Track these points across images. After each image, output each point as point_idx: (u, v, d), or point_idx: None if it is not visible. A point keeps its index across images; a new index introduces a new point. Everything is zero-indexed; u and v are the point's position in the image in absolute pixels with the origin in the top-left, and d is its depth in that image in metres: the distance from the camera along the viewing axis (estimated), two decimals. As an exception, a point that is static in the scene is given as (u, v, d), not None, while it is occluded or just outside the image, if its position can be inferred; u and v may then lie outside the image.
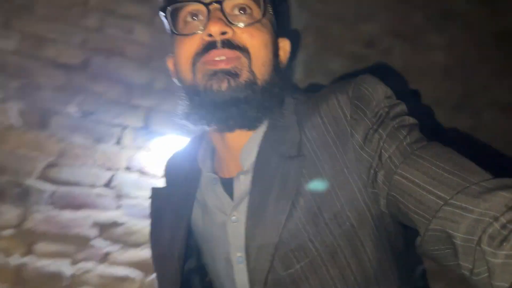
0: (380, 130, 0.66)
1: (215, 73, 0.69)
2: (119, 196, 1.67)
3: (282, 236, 0.68)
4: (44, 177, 1.57)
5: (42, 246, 1.54)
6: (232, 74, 0.69)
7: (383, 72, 1.95)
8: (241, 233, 0.75)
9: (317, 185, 0.69)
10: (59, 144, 1.60)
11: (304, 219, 0.68)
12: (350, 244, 0.69)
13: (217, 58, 0.69)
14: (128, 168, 1.70)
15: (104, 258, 1.62)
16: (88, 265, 1.59)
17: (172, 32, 0.75)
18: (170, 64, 0.84)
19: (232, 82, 0.69)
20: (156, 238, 0.91)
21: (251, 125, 0.75)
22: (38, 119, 1.58)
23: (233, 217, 0.77)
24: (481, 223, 0.51)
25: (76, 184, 1.61)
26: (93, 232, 1.61)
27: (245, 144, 0.77)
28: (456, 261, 0.54)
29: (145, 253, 1.67)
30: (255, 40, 0.73)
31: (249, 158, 0.76)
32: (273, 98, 0.75)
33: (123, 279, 1.63)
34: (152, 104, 1.76)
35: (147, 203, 1.69)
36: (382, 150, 0.64)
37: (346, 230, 0.68)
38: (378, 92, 0.70)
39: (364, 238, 0.69)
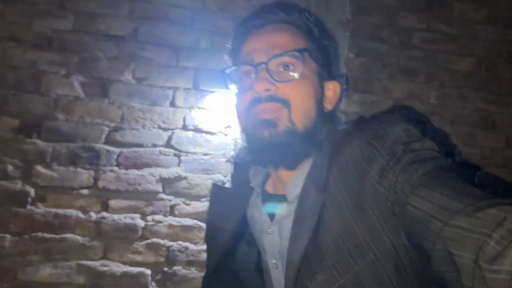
0: (394, 166, 0.71)
1: (259, 123, 0.82)
2: (178, 153, 1.77)
3: (305, 256, 0.76)
4: (110, 140, 1.73)
5: (115, 202, 1.71)
6: (272, 124, 0.81)
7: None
8: (274, 243, 0.87)
9: (338, 217, 0.76)
10: (120, 110, 1.75)
11: (327, 246, 0.75)
12: (375, 274, 0.73)
13: (261, 110, 0.82)
14: (184, 127, 1.79)
15: (171, 210, 1.74)
16: (158, 217, 1.73)
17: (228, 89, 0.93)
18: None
19: (272, 131, 0.81)
20: (211, 223, 1.04)
21: (291, 166, 0.86)
22: (98, 88, 1.73)
23: (269, 230, 0.88)
24: (477, 240, 0.55)
25: (139, 145, 1.75)
26: (159, 187, 1.74)
27: (291, 179, 0.87)
28: (461, 283, 0.57)
29: (206, 204, 1.76)
30: (295, 92, 0.83)
31: (294, 192, 0.85)
32: (312, 142, 0.85)
33: (190, 228, 1.74)
34: (199, 64, 1.82)
35: (204, 158, 1.78)
36: (397, 184, 0.70)
37: (370, 260, 0.73)
38: (395, 131, 0.75)
39: (389, 269, 0.73)
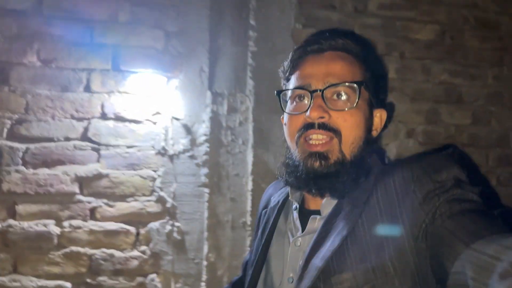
0: (440, 194, 0.74)
1: (310, 155, 0.85)
2: (97, 147, 1.52)
3: (329, 262, 0.77)
4: (13, 135, 1.47)
5: (24, 208, 1.47)
6: (324, 156, 0.84)
7: None
8: (297, 256, 0.87)
9: (371, 229, 0.79)
10: (23, 99, 1.48)
11: (352, 254, 0.77)
12: None
13: (314, 136, 0.85)
14: (102, 115, 1.54)
15: (91, 214, 1.51)
16: (76, 222, 1.49)
17: (284, 111, 0.95)
18: (282, 121, 0.98)
19: (323, 162, 0.84)
20: (252, 250, 1.06)
21: (338, 196, 0.87)
22: (-5, 74, 1.46)
23: (297, 242, 0.89)
24: (494, 266, 0.57)
25: (49, 139, 1.49)
26: (75, 188, 1.50)
27: (327, 198, 0.89)
28: None
29: (133, 205, 1.53)
30: (347, 123, 0.86)
31: (328, 208, 0.88)
32: (360, 170, 0.87)
33: (116, 233, 1.51)
34: (118, 41, 1.55)
35: (128, 151, 1.54)
36: (437, 210, 0.72)
37: (390, 278, 0.74)
38: (451, 170, 0.78)
39: None
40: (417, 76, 1.80)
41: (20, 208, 1.46)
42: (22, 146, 1.47)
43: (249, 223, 1.60)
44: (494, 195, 1.76)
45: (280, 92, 0.96)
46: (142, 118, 1.56)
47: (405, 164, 0.83)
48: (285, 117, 0.94)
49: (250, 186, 1.61)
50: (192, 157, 1.59)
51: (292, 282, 0.86)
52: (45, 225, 1.47)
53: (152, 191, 1.55)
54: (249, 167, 1.62)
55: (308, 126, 0.86)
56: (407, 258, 0.74)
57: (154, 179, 1.56)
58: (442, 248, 0.69)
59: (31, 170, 1.47)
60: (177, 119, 1.58)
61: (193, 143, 1.59)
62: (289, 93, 0.94)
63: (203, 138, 1.59)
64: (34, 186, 1.47)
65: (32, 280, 1.45)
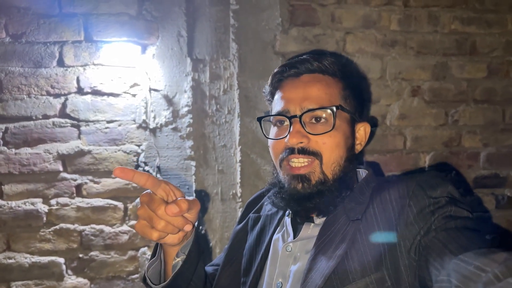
0: (435, 210, 0.76)
1: (293, 177, 0.89)
2: (76, 123, 1.48)
3: (329, 280, 0.78)
4: (-9, 116, 1.44)
5: (10, 187, 1.47)
6: (305, 178, 0.88)
7: None
8: (288, 262, 0.89)
9: (370, 244, 0.80)
10: (-3, 77, 1.43)
11: (354, 268, 0.78)
12: None
13: (295, 160, 0.88)
14: (79, 90, 1.47)
15: (77, 191, 1.49)
16: (63, 200, 1.49)
17: (266, 136, 0.98)
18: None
19: (306, 184, 0.88)
20: (237, 238, 1.07)
21: (323, 214, 0.90)
22: (-35, 53, 1.41)
23: (288, 247, 0.91)
24: (477, 276, 0.59)
25: (27, 118, 1.46)
26: (59, 166, 1.48)
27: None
28: None
29: (118, 181, 1.50)
30: (326, 145, 0.88)
31: (322, 216, 0.91)
32: (343, 187, 0.90)
33: (103, 209, 1.50)
34: (89, 9, 1.45)
35: (109, 126, 1.49)
36: (432, 225, 0.75)
37: None
38: (445, 187, 0.80)
39: None
40: (423, 27, 1.61)
41: (7, 188, 1.47)
42: (1, 126, 1.45)
43: (239, 194, 1.55)
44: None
45: (260, 118, 0.99)
46: (120, 90, 1.48)
47: (401, 179, 0.85)
48: (269, 141, 0.96)
49: (238, 157, 1.54)
50: (175, 129, 1.52)
51: (281, 287, 0.88)
52: (32, 204, 1.47)
53: (137, 166, 1.51)
54: (237, 137, 1.54)
55: (289, 151, 0.89)
56: (401, 272, 0.76)
57: (138, 154, 1.51)
58: (432, 256, 0.70)
59: (13, 150, 1.46)
60: (156, 90, 1.50)
61: (175, 114, 1.52)
62: (271, 118, 0.96)
63: (186, 109, 1.51)
64: (17, 166, 1.46)
65: (26, 256, 1.48)
